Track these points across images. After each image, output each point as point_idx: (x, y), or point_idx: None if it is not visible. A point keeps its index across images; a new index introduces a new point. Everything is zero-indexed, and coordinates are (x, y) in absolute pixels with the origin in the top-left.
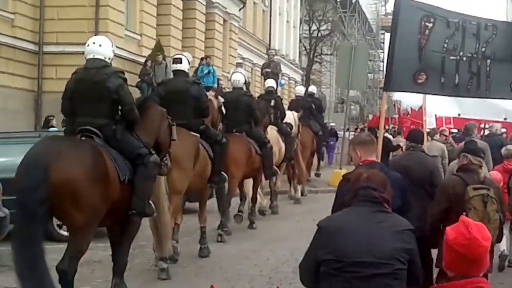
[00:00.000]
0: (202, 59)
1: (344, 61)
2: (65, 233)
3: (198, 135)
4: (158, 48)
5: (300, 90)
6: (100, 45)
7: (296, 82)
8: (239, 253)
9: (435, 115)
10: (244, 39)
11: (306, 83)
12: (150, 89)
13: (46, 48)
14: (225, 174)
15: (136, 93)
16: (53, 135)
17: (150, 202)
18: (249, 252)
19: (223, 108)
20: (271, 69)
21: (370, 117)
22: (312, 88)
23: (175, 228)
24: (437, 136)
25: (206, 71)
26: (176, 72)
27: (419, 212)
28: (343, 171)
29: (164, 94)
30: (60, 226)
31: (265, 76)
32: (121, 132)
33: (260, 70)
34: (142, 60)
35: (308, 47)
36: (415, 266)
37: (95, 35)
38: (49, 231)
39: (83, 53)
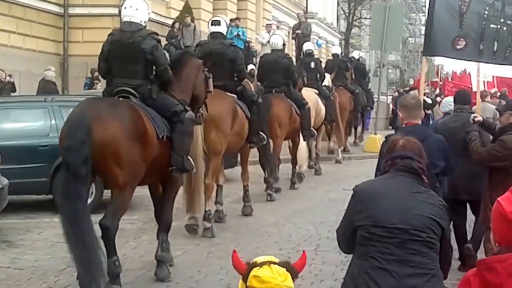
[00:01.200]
0: (231, 20)
1: (378, 21)
2: None
3: (235, 95)
4: (187, 10)
5: (336, 49)
6: (136, 9)
7: (334, 45)
8: (260, 228)
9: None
10: (280, 2)
11: (345, 47)
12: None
13: (72, 10)
14: (263, 134)
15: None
16: (93, 97)
17: (189, 158)
18: (271, 227)
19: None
20: (301, 31)
21: (411, 81)
22: (355, 53)
23: (218, 190)
24: (488, 98)
25: (235, 33)
26: (213, 34)
27: (466, 173)
28: (378, 136)
29: (201, 56)
30: None
31: (295, 38)
32: (156, 91)
33: None
34: (171, 22)
35: (347, 10)
36: (446, 243)
37: None
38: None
39: (109, 15)
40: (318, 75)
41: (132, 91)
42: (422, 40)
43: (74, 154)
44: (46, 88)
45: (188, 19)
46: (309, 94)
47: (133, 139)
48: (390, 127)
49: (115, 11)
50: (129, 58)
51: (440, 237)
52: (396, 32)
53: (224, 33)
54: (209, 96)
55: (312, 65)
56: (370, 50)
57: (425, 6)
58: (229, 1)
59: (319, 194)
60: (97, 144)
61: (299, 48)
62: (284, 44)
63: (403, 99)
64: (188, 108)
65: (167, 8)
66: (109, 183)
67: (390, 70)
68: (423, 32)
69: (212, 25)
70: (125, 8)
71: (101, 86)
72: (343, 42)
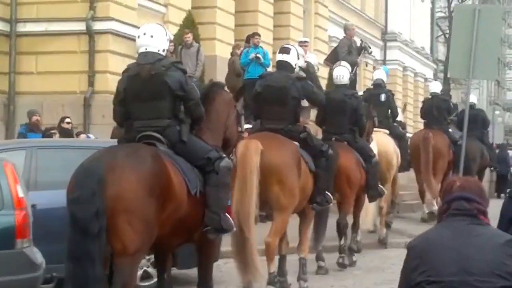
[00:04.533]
0: (248, 38)
1: (462, 32)
2: None
3: (297, 143)
4: (189, 24)
5: (436, 87)
6: (151, 36)
7: (426, 79)
8: None
9: None
10: (343, 16)
11: (444, 81)
12: None
13: (22, 28)
14: (329, 195)
15: None
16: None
17: (227, 215)
18: None
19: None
20: (361, 55)
21: None
22: (473, 98)
23: (282, 261)
24: None
25: (252, 55)
26: (279, 63)
27: None
28: None
29: (261, 90)
30: None
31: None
32: (187, 133)
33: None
34: None
35: (446, 30)
36: None
37: (90, 6)
38: None
39: (75, 33)
40: (389, 111)
41: (158, 136)
42: None
43: (83, 206)
44: None
45: (190, 37)
46: (384, 139)
47: (150, 195)
48: (496, 195)
49: (82, 27)
50: (151, 94)
51: None
52: (490, 49)
53: (293, 65)
54: (266, 141)
55: (383, 97)
56: (481, 86)
57: None
58: (260, 14)
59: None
60: (109, 199)
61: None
62: (350, 78)
63: None
64: (224, 155)
65: (163, 21)
66: (118, 247)
67: (497, 112)
68: None
69: (279, 52)
70: (138, 37)
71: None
72: (440, 75)
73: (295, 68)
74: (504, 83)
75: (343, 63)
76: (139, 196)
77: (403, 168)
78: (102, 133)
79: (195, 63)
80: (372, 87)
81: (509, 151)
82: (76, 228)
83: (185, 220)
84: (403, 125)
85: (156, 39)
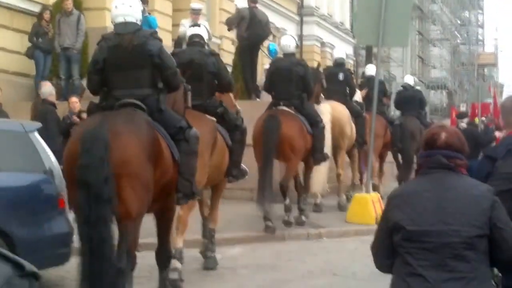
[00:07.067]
0: None
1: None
2: None
3: (214, 119)
4: None
5: (372, 70)
6: (130, 6)
7: (346, 56)
8: None
9: None
10: None
11: (367, 59)
12: (49, 58)
13: None
14: (244, 167)
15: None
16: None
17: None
18: None
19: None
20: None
21: (464, 107)
22: (409, 79)
23: (205, 221)
24: None
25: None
26: (192, 36)
27: None
28: (374, 196)
29: (179, 66)
30: None
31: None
32: (164, 102)
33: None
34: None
35: None
36: (502, 230)
37: None
38: None
39: None
40: (347, 89)
41: (140, 103)
42: (481, 49)
43: (94, 172)
44: (43, 111)
45: (69, 4)
46: (339, 108)
47: (148, 160)
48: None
49: None
50: (133, 64)
51: (490, 229)
52: (401, 15)
53: (205, 39)
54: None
55: (341, 76)
56: (405, 63)
57: (483, 1)
58: None
59: None
60: (115, 163)
61: None
62: (296, 46)
63: (503, 102)
64: (190, 124)
65: None
66: (120, 210)
67: (432, 92)
68: (480, 36)
69: (190, 26)
70: (115, 7)
71: None
72: (363, 52)
73: (207, 42)
74: (429, 60)
75: (288, 32)
76: (141, 161)
77: (358, 144)
78: None
79: (75, 33)
80: (332, 65)
81: None
82: (90, 194)
83: (167, 185)
84: (361, 105)
85: (134, 9)
